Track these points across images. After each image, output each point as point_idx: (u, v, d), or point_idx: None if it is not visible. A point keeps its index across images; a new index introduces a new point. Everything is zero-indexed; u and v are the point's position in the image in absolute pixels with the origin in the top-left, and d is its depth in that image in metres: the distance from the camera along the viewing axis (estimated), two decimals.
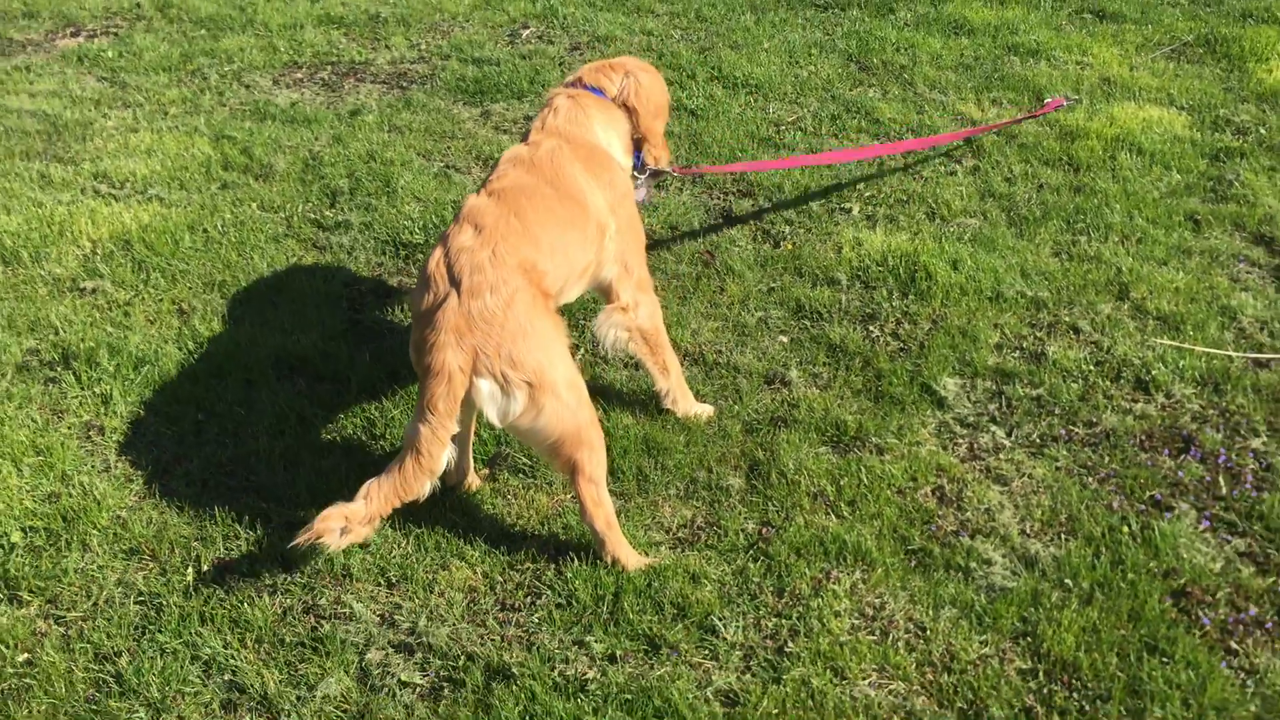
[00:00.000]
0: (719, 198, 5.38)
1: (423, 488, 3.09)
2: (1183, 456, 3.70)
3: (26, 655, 3.07)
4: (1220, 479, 3.59)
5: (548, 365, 3.11)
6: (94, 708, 2.92)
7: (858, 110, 6.24)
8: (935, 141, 5.66)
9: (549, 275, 3.33)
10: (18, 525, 3.46)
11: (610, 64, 4.04)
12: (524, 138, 3.75)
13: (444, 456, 3.09)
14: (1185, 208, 5.17)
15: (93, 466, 3.72)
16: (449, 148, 5.91)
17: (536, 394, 3.09)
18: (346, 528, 2.99)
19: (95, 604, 3.23)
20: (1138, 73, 6.65)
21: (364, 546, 3.33)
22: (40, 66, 7.07)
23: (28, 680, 2.99)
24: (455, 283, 3.13)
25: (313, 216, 5.21)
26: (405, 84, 6.76)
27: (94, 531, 3.45)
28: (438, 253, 3.24)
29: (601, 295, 3.80)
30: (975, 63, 6.86)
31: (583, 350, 4.28)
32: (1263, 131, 5.87)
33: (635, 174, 4.06)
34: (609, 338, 3.77)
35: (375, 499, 3.03)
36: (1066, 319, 4.40)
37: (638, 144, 4.07)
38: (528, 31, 7.55)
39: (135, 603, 3.24)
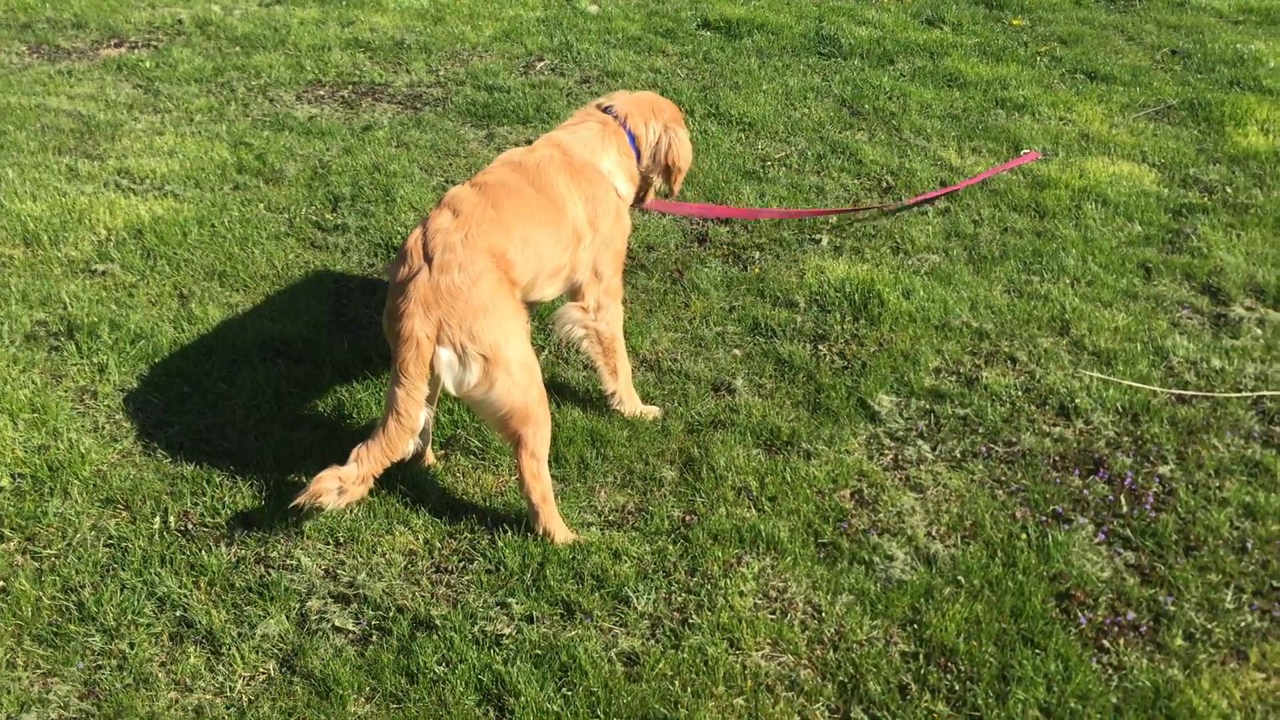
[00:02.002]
0: (696, 222, 5.70)
1: (406, 446, 3.43)
2: (1091, 477, 3.94)
3: (2, 584, 3.39)
4: (1122, 498, 3.82)
5: (503, 343, 3.41)
6: (55, 630, 3.23)
7: (843, 151, 6.55)
8: (872, 208, 5.79)
9: (517, 265, 3.63)
10: (8, 471, 3.79)
11: (654, 107, 4.26)
12: (529, 144, 4.07)
13: (421, 415, 3.42)
14: (1140, 256, 5.42)
15: (82, 426, 4.06)
16: (451, 164, 6.27)
17: (490, 368, 3.39)
18: (342, 488, 3.31)
19: (69, 544, 3.54)
20: (1116, 130, 6.93)
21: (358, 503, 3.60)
22: (82, 72, 7.53)
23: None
24: (428, 259, 3.44)
25: (314, 219, 5.57)
26: (419, 105, 7.15)
27: (76, 481, 3.77)
28: (417, 232, 3.56)
29: (572, 297, 4.10)
30: (962, 113, 7.16)
31: (546, 351, 4.58)
32: (1229, 190, 6.12)
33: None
34: (565, 331, 4.07)
35: (366, 460, 3.35)
36: (1006, 349, 4.66)
37: (645, 181, 4.35)
38: (541, 64, 7.94)
39: (105, 545, 3.55)
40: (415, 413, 3.38)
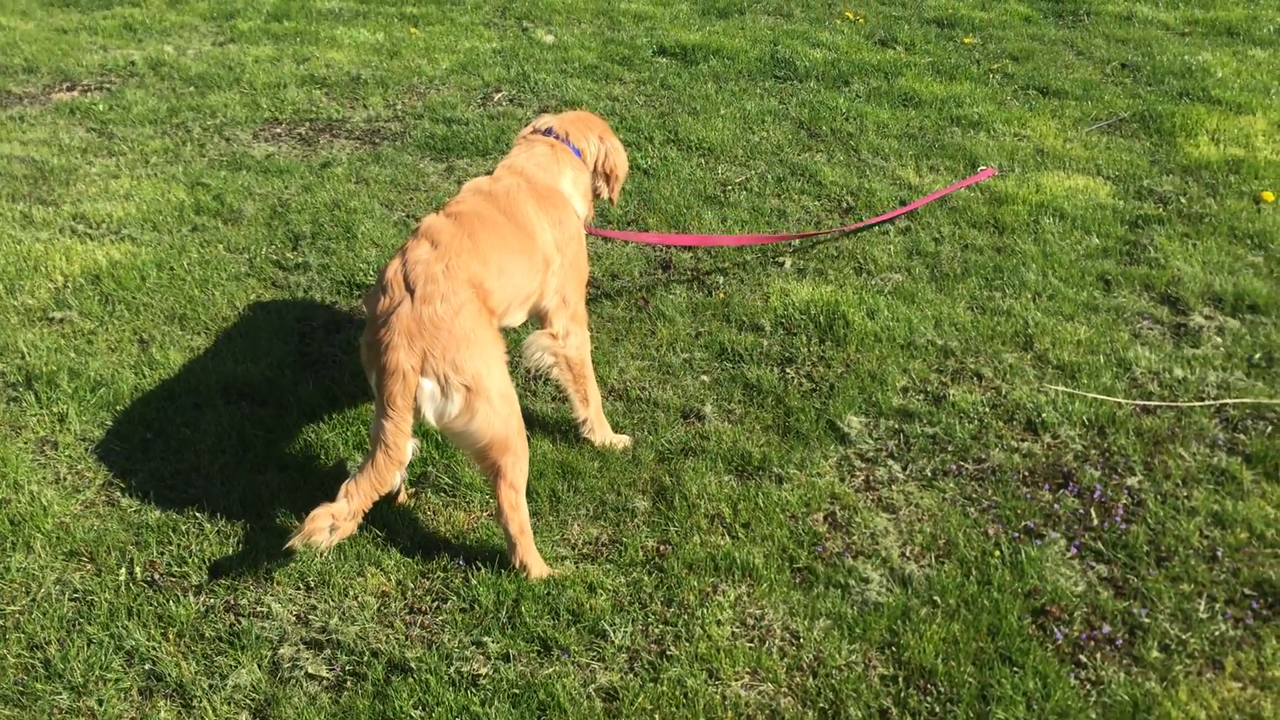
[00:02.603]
0: (660, 249, 5.70)
1: (395, 478, 3.40)
2: (1061, 491, 3.96)
3: None
4: (1093, 511, 3.85)
5: (485, 373, 3.39)
6: (21, 689, 3.16)
7: (803, 173, 6.58)
8: (817, 234, 5.76)
9: (495, 294, 3.62)
10: None
11: (586, 122, 4.37)
12: (489, 172, 4.08)
13: (409, 447, 3.38)
14: (1099, 269, 5.47)
15: (43, 477, 3.98)
16: (411, 199, 6.25)
17: (472, 398, 3.37)
18: (335, 525, 3.26)
19: (33, 599, 3.47)
20: (1070, 145, 7.01)
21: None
22: (34, 117, 7.45)
23: None
24: (410, 290, 3.42)
25: (275, 258, 5.52)
26: (377, 140, 7.12)
27: (38, 534, 3.70)
28: (396, 262, 3.53)
29: (538, 323, 4.09)
30: (919, 132, 7.23)
31: (517, 384, 4.55)
32: (1183, 201, 6.20)
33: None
34: (534, 359, 4.07)
35: (356, 496, 3.31)
36: (971, 366, 4.68)
37: (595, 195, 4.42)
38: (499, 95, 7.94)
39: (70, 599, 3.48)
40: (403, 444, 3.35)
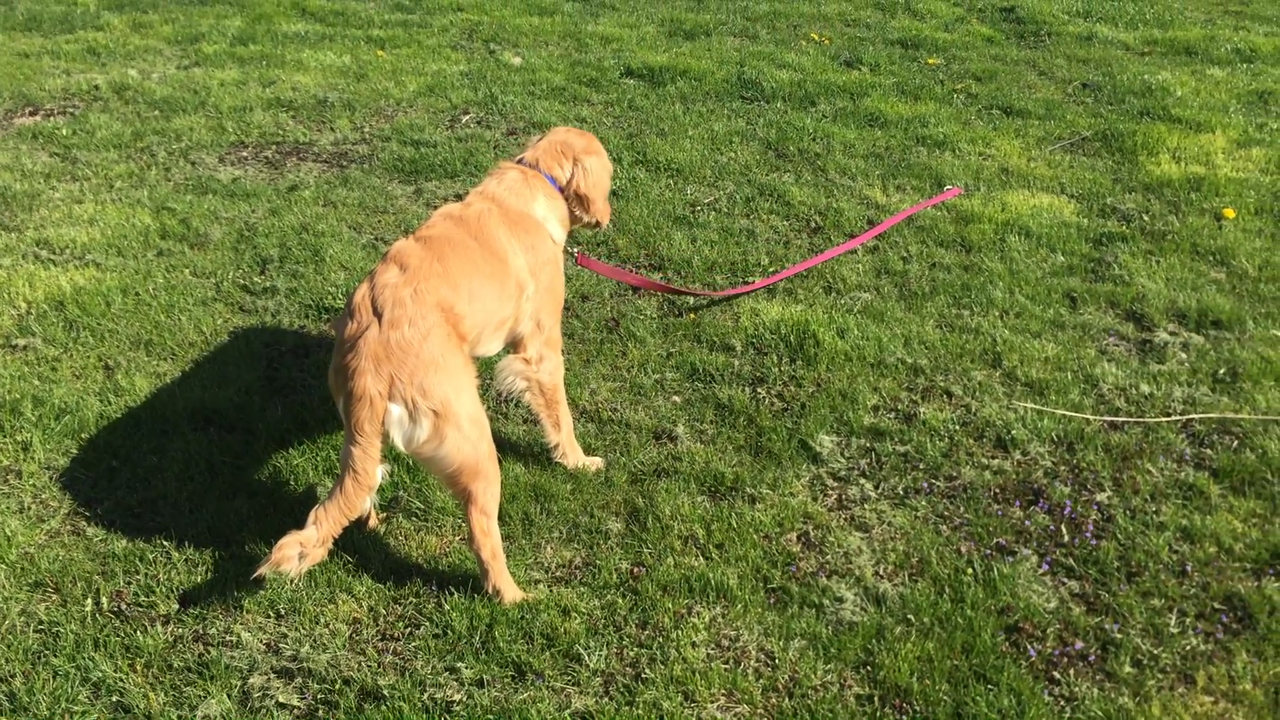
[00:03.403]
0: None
1: (364, 504, 3.35)
2: (1031, 507, 3.98)
3: None
4: (1063, 528, 3.87)
5: (454, 398, 3.36)
6: None
7: (771, 193, 6.62)
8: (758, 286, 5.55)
9: (465, 319, 3.59)
10: None
11: (562, 148, 4.28)
12: (460, 198, 4.04)
13: (378, 472, 3.34)
14: (1065, 286, 5.53)
15: (7, 507, 3.92)
16: (379, 221, 6.22)
17: (441, 424, 3.34)
18: (303, 552, 3.21)
19: None
20: (1034, 164, 7.09)
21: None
22: None
23: None
24: (378, 314, 3.39)
25: (242, 282, 5.48)
26: (345, 163, 7.10)
27: (2, 565, 3.64)
28: (364, 287, 3.50)
29: (512, 348, 4.07)
30: (885, 152, 7.29)
31: (488, 406, 4.53)
32: (1145, 218, 6.28)
33: (567, 249, 4.33)
34: (507, 383, 4.04)
35: (325, 522, 3.26)
36: (941, 384, 4.71)
37: (575, 218, 4.35)
38: (467, 117, 7.94)
39: (35, 630, 3.42)
40: (372, 470, 3.32)
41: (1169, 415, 4.49)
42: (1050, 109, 8.11)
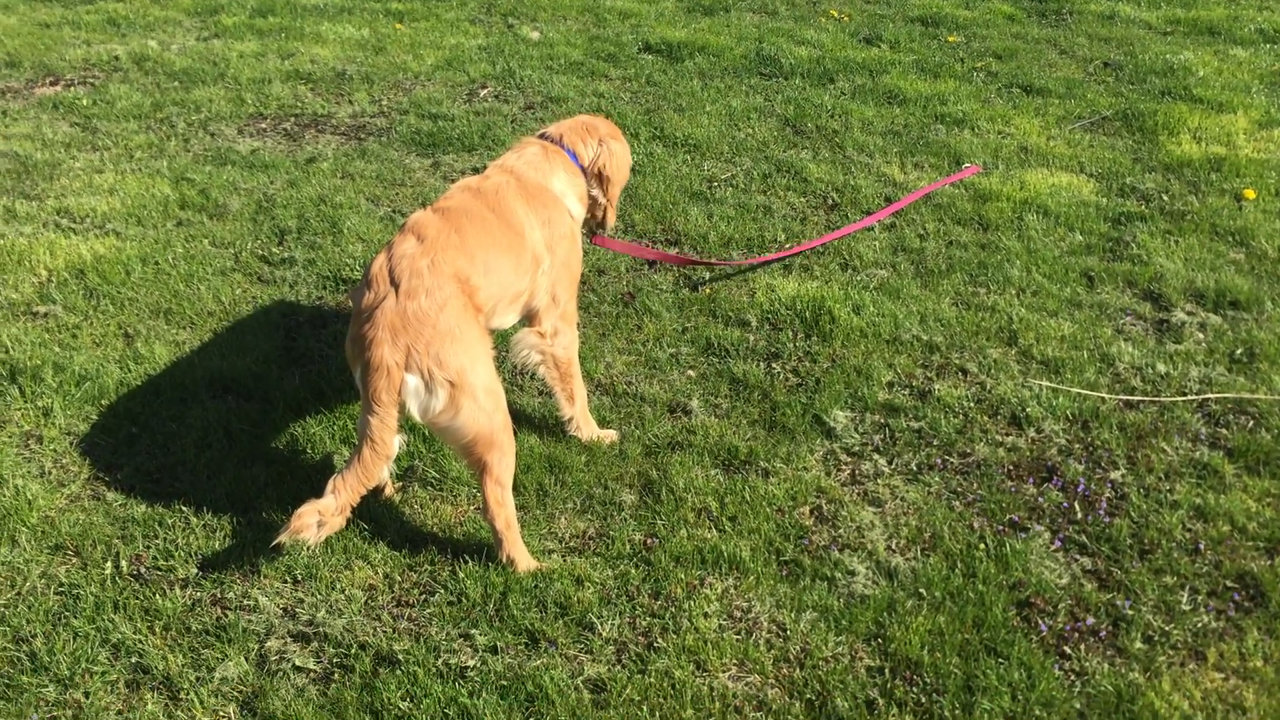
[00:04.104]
0: (646, 245, 5.70)
1: (382, 473, 3.39)
2: (1045, 485, 3.99)
3: None
4: (1076, 505, 3.88)
5: (470, 368, 3.39)
6: (7, 682, 3.15)
7: (788, 170, 6.60)
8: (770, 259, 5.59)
9: (481, 291, 3.61)
10: None
11: (588, 126, 4.28)
12: (477, 171, 4.04)
13: (395, 442, 3.37)
14: (1082, 265, 5.51)
15: (28, 471, 3.97)
16: (397, 194, 6.24)
17: (456, 394, 3.36)
18: (322, 520, 3.25)
19: (19, 593, 3.46)
20: (1054, 142, 7.06)
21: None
22: (17, 112, 7.41)
23: None
24: (395, 284, 3.41)
25: (260, 253, 5.51)
26: (363, 135, 7.11)
27: (23, 528, 3.69)
28: (381, 257, 3.52)
29: (528, 321, 4.08)
30: (904, 129, 7.26)
31: (504, 378, 4.55)
32: (1165, 198, 6.25)
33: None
34: (522, 356, 4.06)
35: (343, 491, 3.30)
36: (956, 361, 4.71)
37: (593, 201, 4.34)
38: (485, 91, 7.94)
39: (55, 593, 3.47)
40: (389, 439, 3.35)
41: (1185, 395, 4.48)
42: (1071, 88, 8.06)
